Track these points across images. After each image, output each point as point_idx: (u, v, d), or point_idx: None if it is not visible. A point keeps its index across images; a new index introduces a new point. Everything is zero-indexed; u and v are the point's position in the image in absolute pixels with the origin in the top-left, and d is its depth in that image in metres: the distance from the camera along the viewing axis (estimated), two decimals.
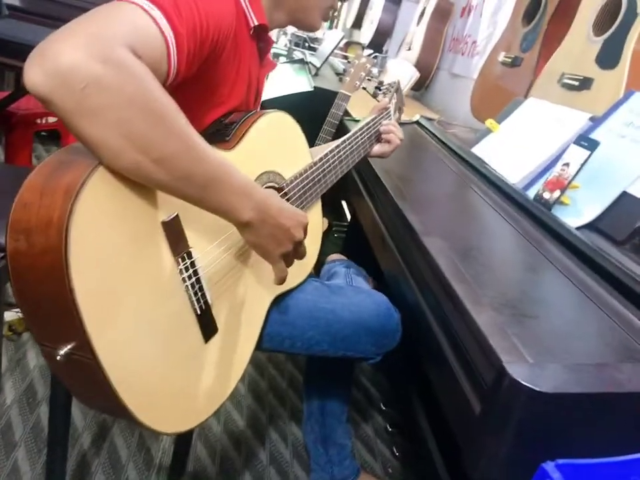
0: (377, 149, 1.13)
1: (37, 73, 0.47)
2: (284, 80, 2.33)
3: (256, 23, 0.79)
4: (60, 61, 0.47)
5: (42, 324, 0.57)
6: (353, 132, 1.04)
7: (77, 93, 0.48)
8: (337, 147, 0.98)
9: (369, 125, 1.08)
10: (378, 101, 1.21)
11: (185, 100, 0.55)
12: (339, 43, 2.79)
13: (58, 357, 0.54)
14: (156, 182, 0.57)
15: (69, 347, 0.55)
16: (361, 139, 1.06)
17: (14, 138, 2.18)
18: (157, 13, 0.56)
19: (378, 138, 1.12)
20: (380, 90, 1.26)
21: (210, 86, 0.76)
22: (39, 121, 2.25)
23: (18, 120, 2.14)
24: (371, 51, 3.59)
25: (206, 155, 0.59)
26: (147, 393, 0.63)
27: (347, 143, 1.01)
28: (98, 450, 1.26)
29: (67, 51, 0.48)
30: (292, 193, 0.86)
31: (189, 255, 0.67)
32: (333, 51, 2.72)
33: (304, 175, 0.89)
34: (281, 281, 0.77)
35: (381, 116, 1.13)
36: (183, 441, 1.17)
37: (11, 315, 1.54)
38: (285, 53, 3.37)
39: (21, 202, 0.53)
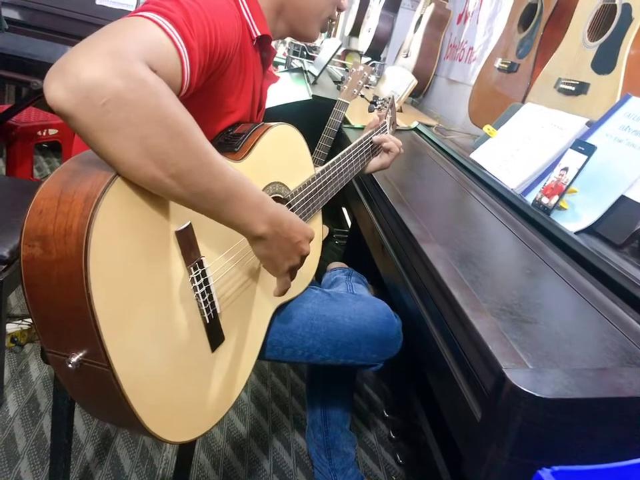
0: (377, 161, 1.15)
1: (58, 89, 0.48)
2: (283, 89, 2.34)
3: (259, 34, 0.79)
4: (81, 77, 0.48)
5: (54, 331, 0.57)
6: (352, 145, 1.07)
7: (97, 109, 0.48)
8: (338, 159, 1.01)
9: (367, 139, 1.11)
10: (378, 115, 1.23)
11: (193, 111, 0.56)
12: (337, 51, 2.81)
13: (70, 365, 0.54)
14: (173, 196, 0.58)
15: (81, 354, 0.55)
16: (360, 152, 1.09)
17: (15, 150, 2.19)
18: (170, 28, 0.56)
19: (375, 152, 1.15)
20: (375, 105, 1.28)
21: (217, 97, 0.77)
22: (39, 133, 2.27)
23: (19, 132, 2.16)
24: (369, 59, 3.62)
25: (223, 171, 0.59)
26: (157, 401, 0.63)
27: (347, 156, 1.04)
28: (101, 461, 1.25)
29: (87, 66, 0.48)
30: (296, 204, 0.88)
31: (200, 264, 0.67)
32: (331, 59, 2.74)
33: (307, 187, 0.91)
34: (283, 294, 0.78)
35: (378, 130, 1.17)
36: (185, 450, 1.17)
37: (12, 327, 1.55)
38: (284, 61, 3.39)
39: (36, 209, 0.53)
